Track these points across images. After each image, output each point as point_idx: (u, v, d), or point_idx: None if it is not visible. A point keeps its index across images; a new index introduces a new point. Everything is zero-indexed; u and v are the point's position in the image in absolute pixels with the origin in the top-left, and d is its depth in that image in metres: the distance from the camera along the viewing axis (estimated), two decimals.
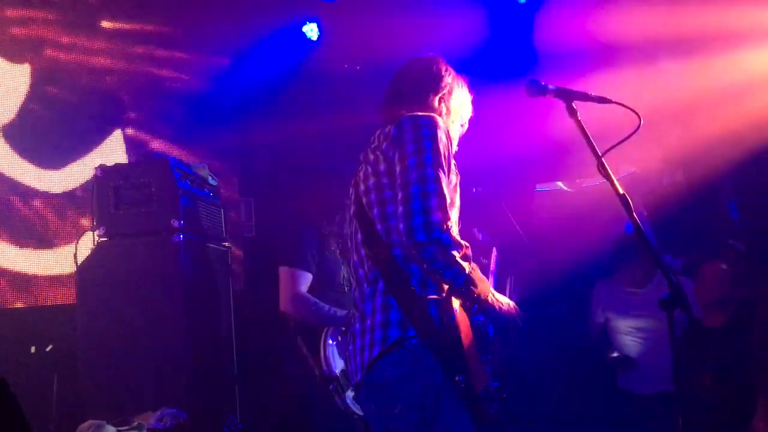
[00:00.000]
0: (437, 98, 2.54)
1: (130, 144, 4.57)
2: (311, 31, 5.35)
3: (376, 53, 5.40)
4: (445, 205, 2.23)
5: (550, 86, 2.52)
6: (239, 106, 5.16)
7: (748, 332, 3.96)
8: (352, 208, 2.49)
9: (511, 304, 2.46)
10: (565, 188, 6.52)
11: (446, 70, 2.61)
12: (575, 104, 2.54)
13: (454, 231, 2.25)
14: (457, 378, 2.17)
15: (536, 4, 5.14)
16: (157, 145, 4.59)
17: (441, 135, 2.32)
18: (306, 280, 3.57)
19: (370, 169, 2.39)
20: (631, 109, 2.51)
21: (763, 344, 3.84)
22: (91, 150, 4.41)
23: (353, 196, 2.50)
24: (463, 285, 2.23)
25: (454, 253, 2.20)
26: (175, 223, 3.71)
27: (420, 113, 2.39)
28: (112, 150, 4.44)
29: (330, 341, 3.46)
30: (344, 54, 5.59)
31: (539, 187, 6.48)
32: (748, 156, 6.35)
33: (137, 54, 4.79)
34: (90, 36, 4.57)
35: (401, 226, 2.20)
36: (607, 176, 2.46)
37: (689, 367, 3.95)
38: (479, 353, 2.30)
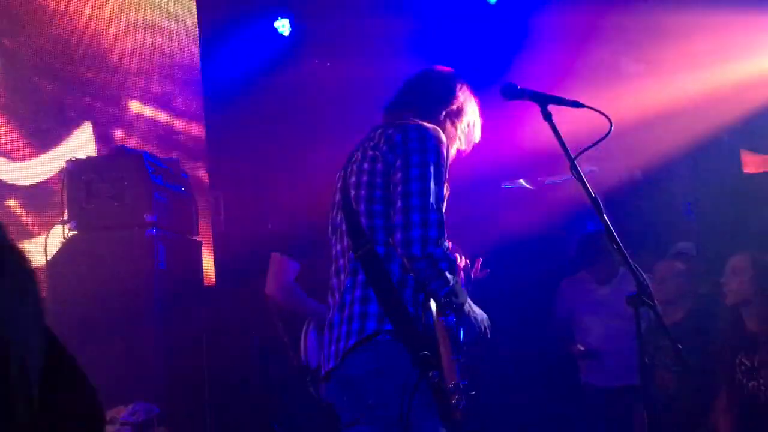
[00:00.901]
0: (445, 113, 2.55)
1: (99, 137, 4.53)
2: (283, 26, 5.35)
3: (348, 50, 5.45)
4: (443, 220, 2.29)
5: (527, 90, 2.60)
6: (209, 100, 5.15)
7: (706, 329, 4.11)
8: (339, 197, 2.51)
9: (484, 316, 2.53)
10: (527, 186, 6.65)
11: (461, 89, 2.62)
12: (549, 108, 2.64)
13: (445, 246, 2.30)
14: (430, 374, 2.23)
15: (506, 4, 5.23)
16: (125, 139, 4.55)
17: (443, 150, 2.37)
18: (296, 269, 3.62)
19: (366, 166, 2.40)
20: (603, 114, 2.60)
21: (721, 340, 3.99)
22: (60, 142, 4.36)
23: (340, 184, 2.52)
24: (444, 296, 2.30)
25: (443, 266, 2.27)
26: (148, 218, 3.71)
27: (426, 124, 2.41)
28: (82, 143, 4.39)
29: (312, 334, 3.51)
30: (315, 50, 5.62)
31: (504, 184, 6.60)
32: (704, 157, 6.58)
33: (101, 49, 4.74)
34: (59, 30, 4.50)
35: (398, 235, 2.25)
36: (580, 178, 2.55)
37: (653, 362, 4.08)
38: (451, 352, 2.37)
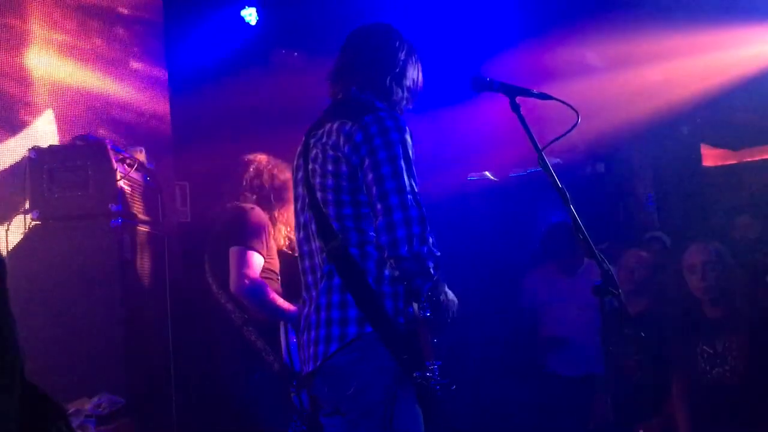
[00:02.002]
0: (389, 78, 2.52)
1: (62, 125, 4.44)
2: (250, 15, 5.31)
3: (315, 39, 5.43)
4: (424, 214, 2.29)
5: (495, 81, 2.62)
6: (174, 89, 5.09)
7: (668, 318, 4.20)
8: (304, 193, 2.49)
9: (455, 300, 2.56)
10: (492, 178, 6.71)
11: (400, 46, 2.58)
12: (517, 99, 2.66)
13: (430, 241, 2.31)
14: (414, 374, 2.27)
15: None
16: (90, 127, 4.47)
17: (407, 137, 2.35)
18: (260, 263, 3.52)
19: (330, 168, 2.37)
20: (570, 106, 2.64)
21: (677, 329, 4.08)
22: (21, 131, 4.26)
23: (301, 175, 2.50)
24: (427, 291, 2.35)
25: (429, 264, 2.29)
26: (113, 207, 3.65)
27: (383, 113, 2.38)
28: (44, 131, 4.30)
29: (292, 336, 3.43)
30: (283, 39, 5.59)
31: (470, 176, 6.66)
32: (665, 149, 6.72)
33: (67, 32, 4.63)
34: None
35: (383, 238, 2.24)
36: (547, 169, 2.59)
37: (616, 350, 4.16)
38: (430, 336, 2.40)
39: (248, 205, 3.71)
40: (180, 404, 4.10)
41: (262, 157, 3.91)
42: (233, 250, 3.51)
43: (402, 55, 2.57)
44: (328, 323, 2.32)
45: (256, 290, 3.46)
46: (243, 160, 3.91)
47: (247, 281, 3.44)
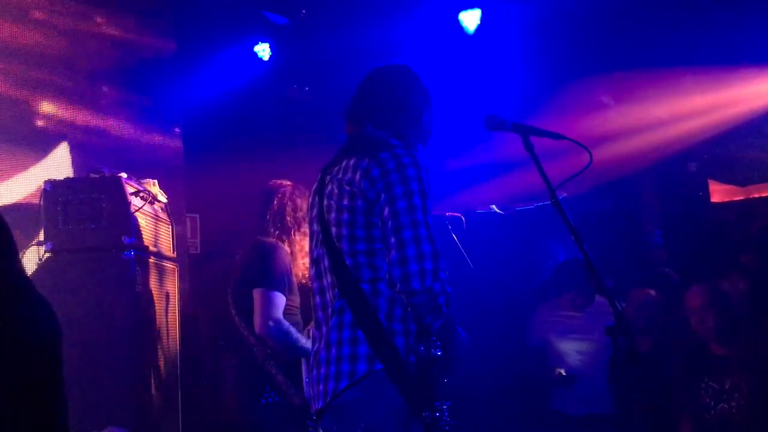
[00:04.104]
0: (405, 118, 2.56)
1: (75, 157, 4.49)
2: (263, 51, 5.38)
3: (326, 76, 5.51)
4: (437, 251, 2.29)
5: (509, 121, 2.66)
6: (187, 123, 5.15)
7: (671, 356, 4.19)
8: (318, 230, 2.51)
9: (465, 339, 2.58)
10: (498, 211, 6.73)
11: (416, 88, 2.63)
12: (531, 139, 2.70)
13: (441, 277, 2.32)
14: (424, 414, 2.26)
15: (485, 34, 5.32)
16: (105, 160, 4.52)
17: (423, 175, 2.37)
18: (283, 303, 3.53)
19: (346, 203, 2.39)
20: (583, 146, 2.67)
21: (683, 367, 4.07)
22: (37, 162, 4.32)
23: (316, 213, 2.52)
24: (438, 329, 2.35)
25: (441, 301, 2.29)
26: (126, 240, 3.67)
27: (399, 150, 2.41)
28: (59, 163, 4.35)
29: None
30: (295, 75, 5.66)
31: (476, 209, 6.67)
32: (672, 186, 6.74)
33: (82, 66, 4.71)
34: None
35: (396, 271, 2.25)
36: (560, 209, 2.61)
37: (625, 388, 4.14)
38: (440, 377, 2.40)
39: (272, 242, 3.70)
40: None
41: (287, 186, 3.89)
42: (257, 292, 3.53)
43: (418, 97, 2.62)
44: (338, 360, 2.32)
45: (281, 333, 3.48)
46: (270, 188, 3.86)
47: (271, 323, 3.47)
